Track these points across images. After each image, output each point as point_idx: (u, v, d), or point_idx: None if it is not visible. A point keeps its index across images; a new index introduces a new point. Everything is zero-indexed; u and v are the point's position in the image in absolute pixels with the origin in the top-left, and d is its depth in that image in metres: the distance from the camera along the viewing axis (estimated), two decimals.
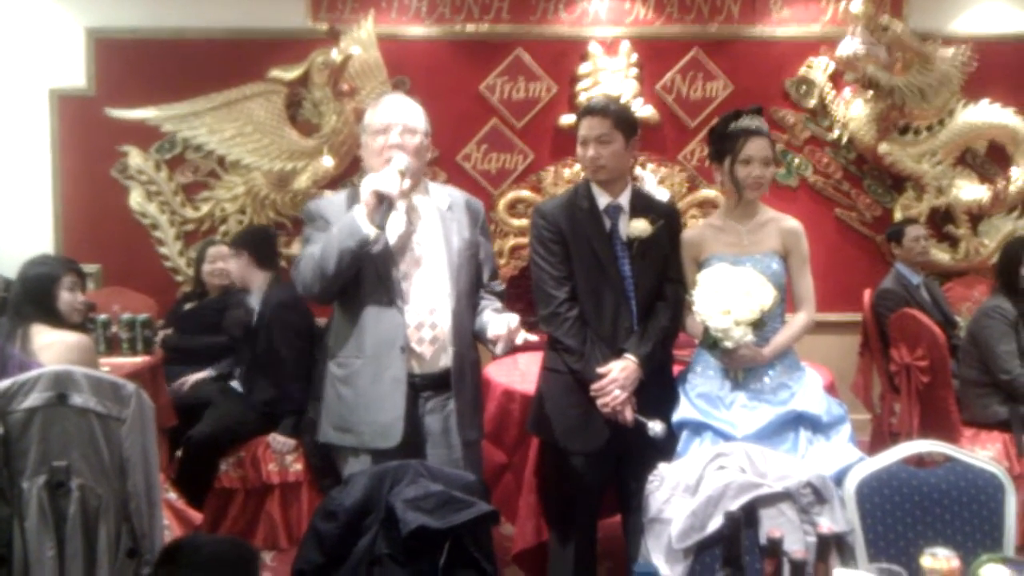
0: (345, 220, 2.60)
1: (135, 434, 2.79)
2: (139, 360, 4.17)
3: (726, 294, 2.82)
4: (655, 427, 2.81)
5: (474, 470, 2.75)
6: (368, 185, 2.59)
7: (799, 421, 2.87)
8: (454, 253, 2.76)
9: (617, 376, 2.85)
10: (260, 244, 4.34)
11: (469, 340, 2.81)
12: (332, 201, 2.81)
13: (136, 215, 5.76)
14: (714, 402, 2.90)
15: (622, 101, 5.45)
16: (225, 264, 4.71)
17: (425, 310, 2.69)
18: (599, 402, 2.85)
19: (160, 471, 3.00)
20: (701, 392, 2.94)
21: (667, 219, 3.03)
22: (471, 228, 2.84)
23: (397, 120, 2.70)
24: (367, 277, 2.67)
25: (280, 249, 5.04)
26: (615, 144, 2.93)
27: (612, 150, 2.93)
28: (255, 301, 4.25)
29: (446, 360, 2.72)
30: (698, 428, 2.88)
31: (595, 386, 2.86)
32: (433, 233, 2.77)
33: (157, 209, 5.76)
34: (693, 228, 3.25)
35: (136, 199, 5.75)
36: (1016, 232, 5.61)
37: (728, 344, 2.82)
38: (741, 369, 2.93)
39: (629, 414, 2.85)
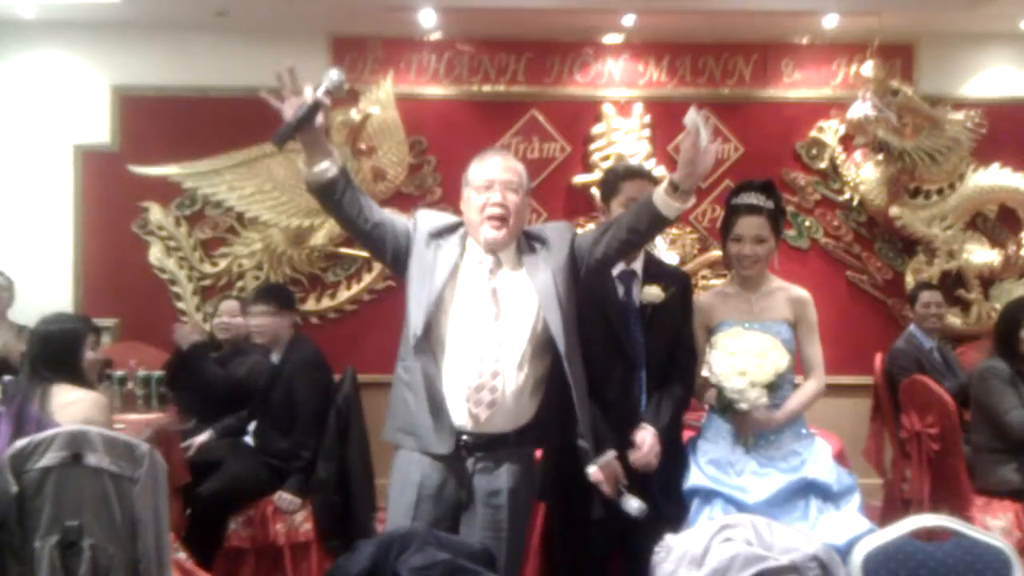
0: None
1: (147, 494, 2.83)
2: (153, 416, 4.21)
3: (742, 356, 2.85)
4: (631, 504, 2.75)
5: (518, 532, 2.75)
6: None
7: (810, 489, 2.89)
8: (545, 290, 2.69)
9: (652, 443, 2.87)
10: (287, 298, 4.41)
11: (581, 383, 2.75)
12: (433, 218, 2.81)
13: (155, 270, 5.84)
14: (724, 468, 2.92)
15: (634, 161, 5.59)
16: (232, 319, 4.78)
17: (488, 372, 2.65)
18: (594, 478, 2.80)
19: (171, 530, 3.03)
20: (712, 458, 2.96)
21: (680, 286, 3.07)
22: (562, 254, 2.75)
23: (500, 177, 2.71)
24: (416, 322, 2.67)
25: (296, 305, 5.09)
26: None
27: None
28: (274, 356, 4.30)
29: (506, 425, 2.69)
30: (709, 496, 2.90)
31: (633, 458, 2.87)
32: (516, 291, 2.72)
33: (176, 264, 5.84)
34: (704, 295, 3.30)
35: (155, 254, 5.83)
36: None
37: (743, 406, 2.84)
38: (752, 435, 2.94)
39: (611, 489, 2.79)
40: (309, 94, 2.53)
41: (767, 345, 2.88)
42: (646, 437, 2.88)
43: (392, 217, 2.79)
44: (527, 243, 2.78)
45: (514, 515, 2.72)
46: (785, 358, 2.87)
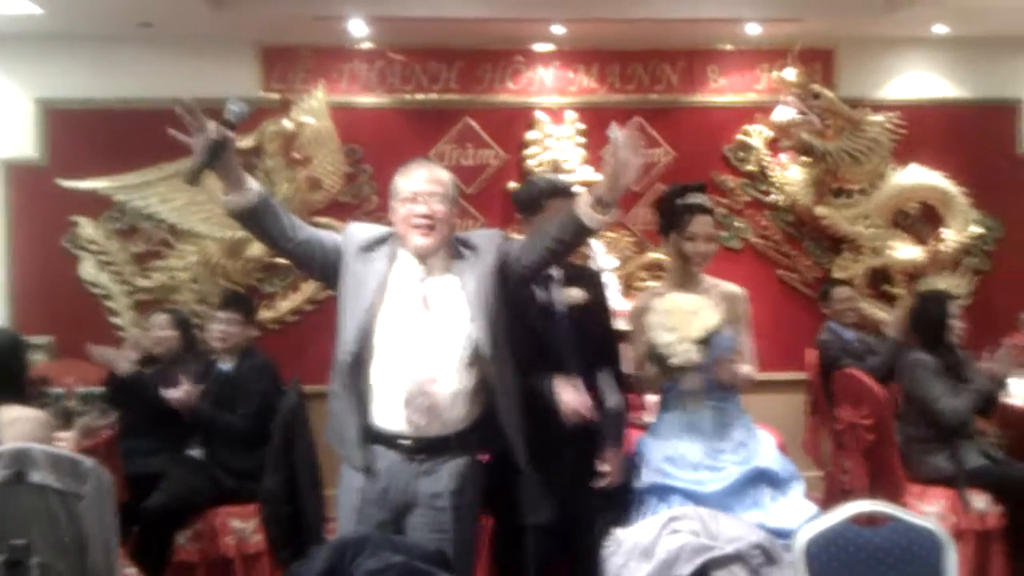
0: None
1: (94, 510, 2.81)
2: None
3: (672, 314, 2.94)
4: (611, 402, 2.92)
5: (464, 533, 2.78)
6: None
7: (761, 477, 2.99)
8: (475, 298, 2.74)
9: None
10: (252, 308, 4.42)
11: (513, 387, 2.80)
12: (363, 230, 2.86)
13: (87, 285, 5.73)
14: (678, 464, 3.01)
15: (568, 167, 5.68)
16: (163, 332, 4.73)
17: (423, 377, 2.69)
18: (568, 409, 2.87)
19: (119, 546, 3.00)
20: (666, 455, 3.04)
21: (595, 284, 3.17)
22: (491, 258, 2.80)
23: (424, 189, 2.75)
24: (348, 332, 2.73)
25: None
26: None
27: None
28: (225, 364, 4.30)
29: (446, 428, 2.73)
30: (664, 492, 2.97)
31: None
32: (446, 296, 2.76)
33: (109, 279, 5.74)
34: (641, 296, 3.38)
35: (88, 269, 5.72)
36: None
37: (675, 360, 2.92)
38: (701, 395, 3.02)
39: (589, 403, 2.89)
40: (213, 129, 2.55)
41: (697, 304, 2.98)
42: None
43: (320, 234, 2.84)
44: (457, 249, 2.84)
45: (459, 516, 2.76)
46: (715, 316, 2.96)
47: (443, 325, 2.73)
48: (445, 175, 2.83)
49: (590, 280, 3.17)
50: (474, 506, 2.87)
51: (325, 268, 2.80)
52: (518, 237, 3.13)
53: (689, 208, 3.16)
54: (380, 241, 2.82)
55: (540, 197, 3.16)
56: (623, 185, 2.61)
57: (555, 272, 3.09)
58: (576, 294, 3.07)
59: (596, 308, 3.12)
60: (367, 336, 2.71)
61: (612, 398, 2.98)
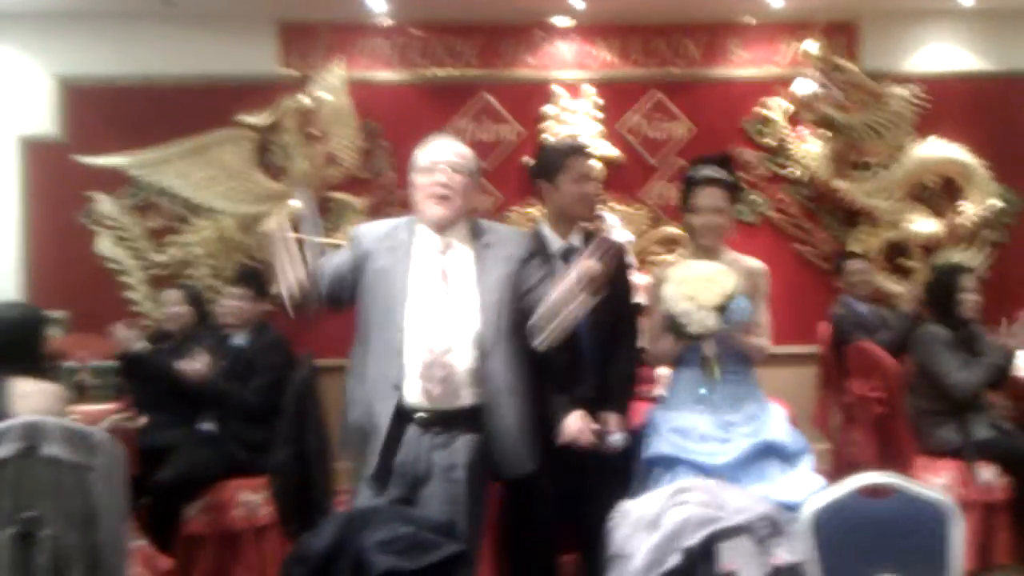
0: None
1: (105, 482, 2.83)
2: (109, 407, 4.17)
3: (689, 282, 2.92)
4: (614, 439, 2.89)
5: (477, 505, 2.80)
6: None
7: (770, 450, 2.98)
8: (488, 291, 2.78)
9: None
10: (265, 284, 4.43)
11: (508, 382, 2.81)
12: (374, 226, 2.92)
13: (104, 261, 5.77)
14: (688, 435, 2.99)
15: (583, 141, 5.64)
16: (177, 307, 4.76)
17: (439, 349, 2.72)
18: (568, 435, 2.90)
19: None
20: (674, 426, 3.03)
21: (620, 260, 3.14)
22: (513, 263, 2.84)
23: (443, 159, 2.79)
24: (376, 310, 2.76)
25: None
26: None
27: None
28: (239, 339, 4.32)
29: (462, 401, 2.75)
30: (671, 463, 2.96)
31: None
32: (465, 272, 2.79)
33: (126, 254, 5.77)
34: (658, 270, 3.35)
35: (105, 245, 5.76)
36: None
37: (692, 329, 2.90)
38: (716, 364, 3.00)
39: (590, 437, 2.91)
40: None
41: (713, 270, 2.95)
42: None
43: (337, 262, 2.85)
44: (479, 231, 2.86)
45: (472, 488, 2.77)
46: (731, 280, 2.93)
47: (460, 298, 2.75)
48: (465, 149, 2.87)
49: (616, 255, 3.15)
50: (486, 479, 2.88)
51: (356, 278, 2.83)
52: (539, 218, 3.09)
53: (695, 181, 3.14)
54: (394, 228, 2.86)
55: (560, 156, 3.16)
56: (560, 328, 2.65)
57: (577, 242, 3.07)
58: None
59: (619, 285, 3.09)
60: (393, 313, 2.73)
61: (616, 436, 2.97)
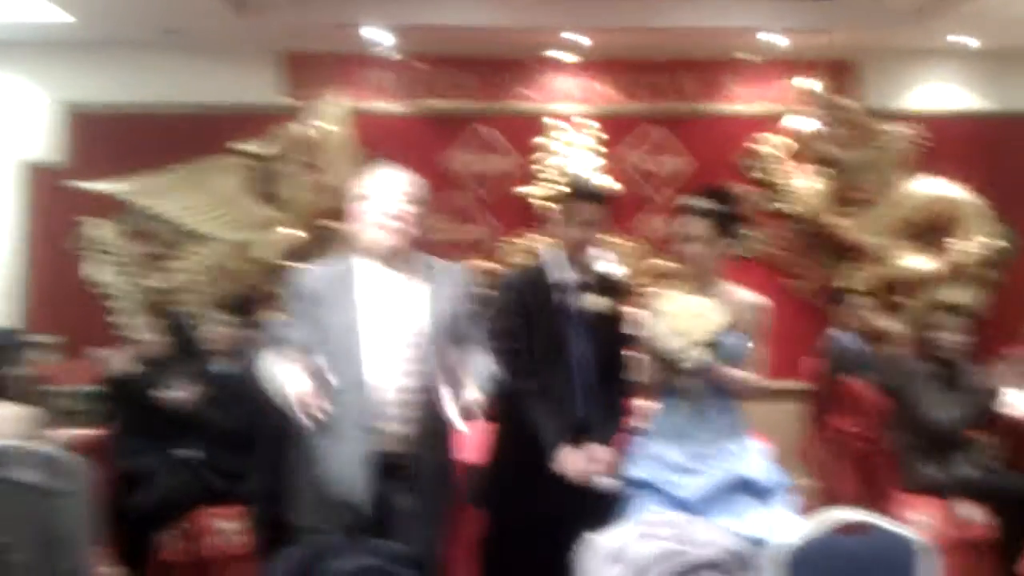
0: (283, 385, 2.69)
1: (76, 507, 2.80)
2: (91, 432, 4.17)
3: (679, 317, 2.88)
4: (606, 481, 2.89)
5: (438, 536, 2.78)
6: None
7: (743, 486, 2.93)
8: (429, 325, 2.74)
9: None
10: (251, 310, 4.47)
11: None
12: (320, 276, 2.82)
13: (102, 286, 5.79)
14: (660, 464, 2.96)
15: (582, 175, 5.65)
16: (153, 337, 4.76)
17: (392, 388, 2.69)
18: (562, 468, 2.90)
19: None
20: (650, 453, 2.99)
21: (622, 296, 3.16)
22: (451, 297, 2.81)
23: (399, 188, 2.75)
24: (336, 354, 2.69)
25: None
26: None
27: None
28: (222, 366, 4.29)
29: (413, 433, 2.72)
30: (641, 489, 2.93)
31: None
32: (407, 307, 2.75)
33: (121, 280, 5.79)
34: (645, 300, 3.33)
35: (100, 271, 5.78)
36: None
37: (688, 365, 2.86)
38: (701, 400, 2.97)
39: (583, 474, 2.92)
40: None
41: (703, 306, 2.92)
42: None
43: (296, 329, 2.79)
44: (422, 264, 2.81)
45: (432, 521, 2.77)
46: (720, 317, 2.90)
47: (399, 326, 2.71)
48: (415, 178, 2.82)
49: (617, 291, 3.15)
50: (447, 509, 2.87)
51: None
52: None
53: (680, 209, 3.14)
54: (327, 267, 2.84)
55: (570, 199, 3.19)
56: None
57: (579, 278, 3.07)
58: (601, 302, 3.04)
59: (618, 319, 3.09)
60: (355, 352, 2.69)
61: (607, 480, 2.96)
